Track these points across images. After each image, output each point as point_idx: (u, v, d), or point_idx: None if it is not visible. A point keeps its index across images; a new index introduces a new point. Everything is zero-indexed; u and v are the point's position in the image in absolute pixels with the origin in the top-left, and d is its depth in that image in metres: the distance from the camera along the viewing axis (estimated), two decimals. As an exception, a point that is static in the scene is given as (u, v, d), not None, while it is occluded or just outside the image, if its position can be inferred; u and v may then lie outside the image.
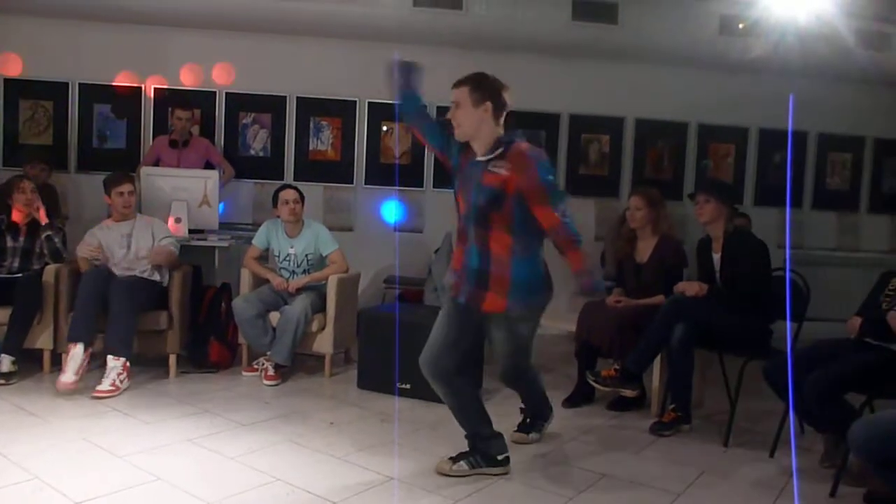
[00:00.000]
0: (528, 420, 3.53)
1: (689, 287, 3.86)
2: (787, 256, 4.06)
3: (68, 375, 3.87)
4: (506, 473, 3.05)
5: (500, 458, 3.06)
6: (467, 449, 3.08)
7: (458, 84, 2.91)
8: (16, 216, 4.44)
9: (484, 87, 2.87)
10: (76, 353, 3.93)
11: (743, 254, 3.79)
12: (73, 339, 3.97)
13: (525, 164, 2.79)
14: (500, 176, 2.81)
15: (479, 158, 2.89)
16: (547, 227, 2.83)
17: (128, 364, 4.02)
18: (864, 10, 5.31)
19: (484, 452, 3.05)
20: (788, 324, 3.50)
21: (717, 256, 3.91)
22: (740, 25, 5.60)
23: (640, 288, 4.15)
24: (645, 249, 4.20)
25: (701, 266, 4.02)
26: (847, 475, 2.96)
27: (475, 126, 2.87)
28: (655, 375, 4.02)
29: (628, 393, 3.90)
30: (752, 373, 3.53)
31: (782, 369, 3.08)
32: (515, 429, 3.49)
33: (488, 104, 2.85)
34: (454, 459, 3.03)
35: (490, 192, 2.81)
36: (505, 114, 2.92)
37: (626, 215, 4.45)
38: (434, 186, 6.31)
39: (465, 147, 2.96)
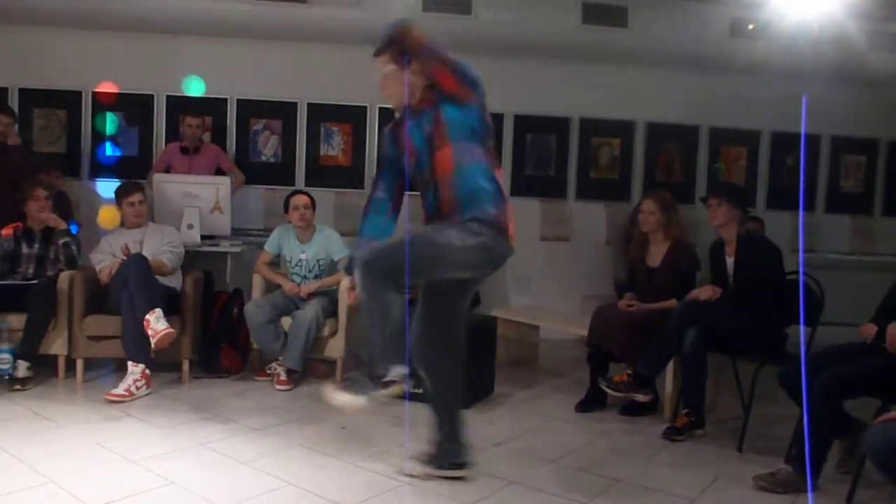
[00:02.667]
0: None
1: (703, 291, 3.84)
2: (801, 260, 4.03)
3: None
4: (464, 478, 2.96)
5: (386, 379, 2.65)
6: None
7: (376, 53, 2.79)
8: (31, 223, 4.48)
9: (399, 44, 2.74)
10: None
11: (756, 257, 3.77)
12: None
13: (427, 56, 2.69)
14: (426, 94, 2.73)
15: (412, 108, 2.79)
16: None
17: (147, 372, 4.05)
18: (876, 12, 5.28)
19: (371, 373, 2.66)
20: (802, 328, 3.48)
21: (730, 260, 3.89)
22: (751, 27, 5.59)
23: (652, 292, 4.13)
24: (657, 253, 4.18)
25: (714, 270, 4.00)
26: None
27: (406, 91, 2.77)
28: (668, 380, 4.00)
29: (641, 398, 3.88)
30: (766, 377, 3.51)
31: (797, 374, 3.05)
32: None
33: (412, 61, 2.73)
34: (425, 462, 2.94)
35: (426, 114, 2.73)
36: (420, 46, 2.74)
37: (635, 219, 4.44)
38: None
39: (396, 125, 2.88)
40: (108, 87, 5.89)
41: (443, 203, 2.71)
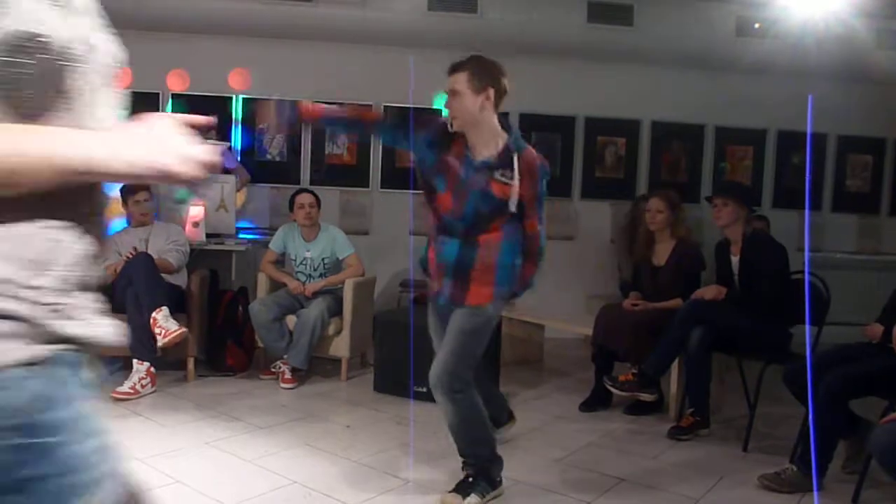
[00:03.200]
0: (469, 477, 2.80)
1: (708, 291, 3.83)
2: (807, 259, 4.02)
3: None
4: (500, 494, 2.87)
5: (499, 479, 2.87)
6: (470, 477, 2.79)
7: (455, 69, 2.65)
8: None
9: (485, 72, 2.63)
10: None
11: (762, 257, 3.76)
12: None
13: (535, 176, 2.67)
14: (509, 186, 2.63)
15: (483, 160, 2.66)
16: (529, 232, 2.74)
17: (152, 370, 4.06)
18: (883, 10, 5.26)
19: (487, 476, 2.81)
20: (808, 328, 3.47)
21: (735, 259, 3.88)
22: (757, 26, 5.57)
23: (657, 291, 4.12)
24: (662, 252, 4.17)
25: (719, 269, 3.99)
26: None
27: (475, 116, 2.63)
28: (673, 379, 3.99)
29: (646, 397, 3.88)
30: (771, 377, 3.50)
31: (802, 374, 3.04)
32: (450, 488, 2.81)
33: (490, 91, 2.61)
34: (462, 493, 2.75)
35: (497, 201, 2.64)
36: (503, 102, 2.71)
37: (635, 213, 4.42)
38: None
39: (451, 142, 2.71)
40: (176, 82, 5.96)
41: (477, 260, 2.70)
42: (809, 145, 6.53)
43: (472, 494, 2.75)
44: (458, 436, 2.80)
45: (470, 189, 2.65)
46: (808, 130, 6.30)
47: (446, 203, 2.71)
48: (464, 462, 2.85)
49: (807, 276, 3.60)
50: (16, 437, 0.89)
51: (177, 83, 6.02)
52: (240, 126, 6.15)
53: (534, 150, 2.72)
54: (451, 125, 2.70)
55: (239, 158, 5.94)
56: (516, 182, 2.64)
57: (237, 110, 6.14)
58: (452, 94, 2.65)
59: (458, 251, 2.70)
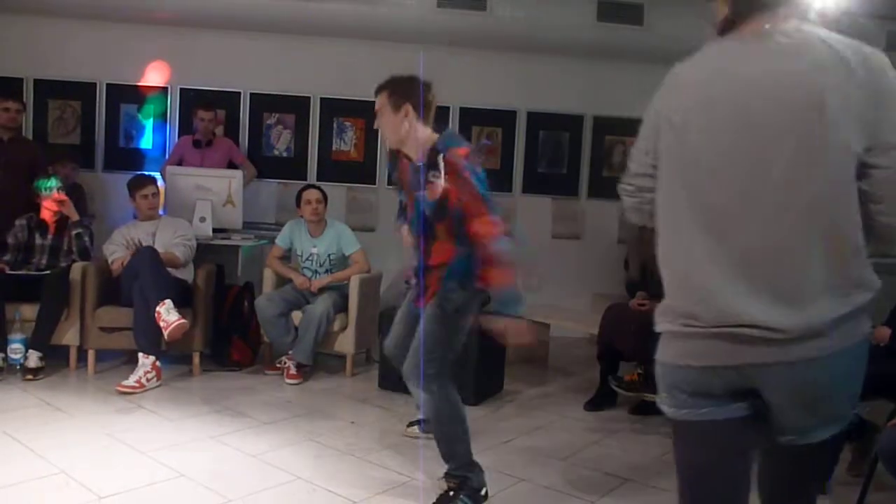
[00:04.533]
0: (450, 491, 2.75)
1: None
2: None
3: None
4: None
5: (483, 492, 2.80)
6: (451, 491, 2.75)
7: (377, 92, 2.79)
8: (44, 214, 4.51)
9: (401, 90, 2.73)
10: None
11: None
12: None
13: (459, 172, 2.61)
14: (438, 186, 2.64)
15: (418, 164, 2.75)
16: (472, 235, 2.60)
17: (158, 364, 4.07)
18: (893, 12, 5.23)
19: (469, 489, 2.75)
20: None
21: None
22: (767, 27, 5.55)
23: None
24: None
25: None
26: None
27: (400, 132, 2.75)
28: (679, 380, 3.98)
29: (652, 398, 3.86)
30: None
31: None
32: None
33: (408, 107, 2.70)
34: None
35: (433, 203, 2.67)
36: (433, 111, 2.78)
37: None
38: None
39: (398, 155, 2.86)
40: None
41: (432, 270, 2.76)
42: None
43: None
44: (435, 431, 2.83)
45: (416, 193, 2.76)
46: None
47: (409, 210, 2.89)
48: (445, 474, 2.80)
49: None
50: None
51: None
52: (247, 121, 6.15)
53: (462, 150, 2.66)
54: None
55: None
56: (442, 181, 2.64)
57: (245, 105, 6.14)
58: (377, 114, 2.80)
59: (420, 255, 2.80)
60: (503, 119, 6.26)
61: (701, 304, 1.43)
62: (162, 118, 6.07)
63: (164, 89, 6.03)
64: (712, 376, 1.46)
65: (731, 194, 1.38)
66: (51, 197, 4.43)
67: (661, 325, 1.59)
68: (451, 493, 2.75)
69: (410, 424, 3.53)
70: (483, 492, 2.81)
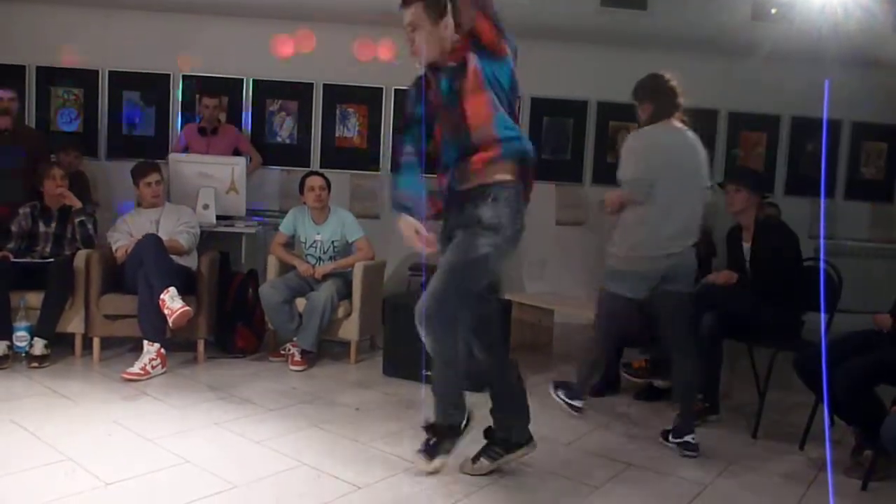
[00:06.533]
0: (430, 441, 2.82)
1: (719, 276, 3.82)
2: (822, 247, 3.97)
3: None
4: (532, 451, 2.94)
5: (517, 440, 2.91)
6: (431, 441, 2.84)
7: (406, 3, 2.56)
8: (48, 202, 4.51)
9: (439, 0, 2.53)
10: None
11: (774, 243, 3.74)
12: None
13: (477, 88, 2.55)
14: (459, 45, 2.55)
15: (450, 64, 2.60)
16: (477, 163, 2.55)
17: (163, 351, 4.08)
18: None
19: (503, 440, 2.90)
20: (823, 315, 3.44)
21: (747, 246, 3.86)
22: (773, 11, 5.49)
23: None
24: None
25: (730, 255, 3.97)
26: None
27: (445, 44, 2.57)
28: (683, 366, 3.98)
29: (661, 384, 3.87)
30: (781, 364, 3.49)
31: (814, 361, 3.03)
32: (459, 470, 2.89)
33: (448, 20, 2.54)
34: (474, 459, 2.90)
35: (458, 68, 2.55)
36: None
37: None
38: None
39: (425, 81, 2.69)
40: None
41: (474, 144, 2.60)
42: (826, 131, 6.45)
43: (482, 459, 2.87)
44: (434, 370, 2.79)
45: (443, 95, 2.64)
46: (825, 117, 6.22)
47: (437, 134, 2.73)
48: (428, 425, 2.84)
49: (822, 264, 3.57)
50: None
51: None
52: (250, 108, 6.14)
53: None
54: (419, 63, 2.65)
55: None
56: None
57: (248, 92, 6.13)
58: (413, 29, 2.58)
59: (458, 148, 2.66)
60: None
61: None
62: (164, 105, 6.06)
63: (167, 76, 6.02)
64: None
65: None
66: None
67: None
68: (432, 442, 2.83)
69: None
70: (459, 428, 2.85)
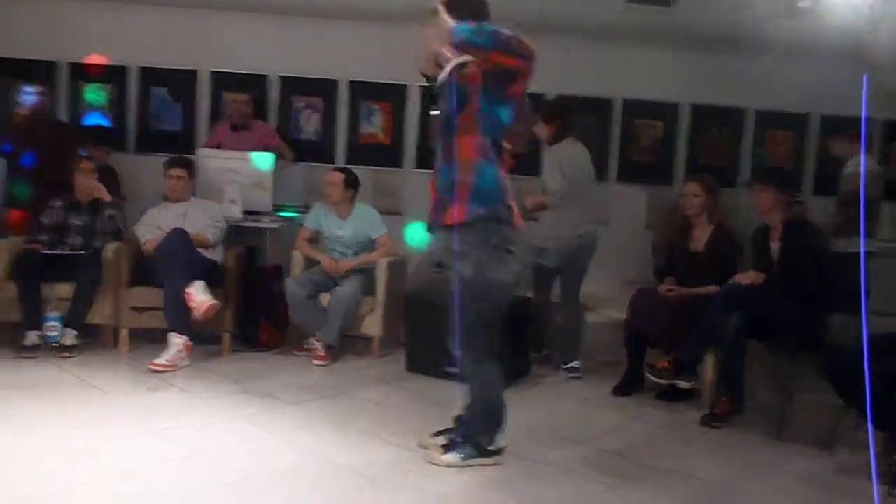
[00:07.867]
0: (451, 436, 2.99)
1: (746, 276, 3.77)
2: (863, 248, 3.88)
3: None
4: (497, 464, 2.93)
5: (491, 448, 2.93)
6: (459, 437, 2.94)
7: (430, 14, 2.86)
8: (78, 195, 4.59)
9: (461, 3, 2.87)
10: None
11: (802, 244, 3.69)
12: None
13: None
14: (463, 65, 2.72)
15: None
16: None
17: (190, 343, 4.13)
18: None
19: (478, 444, 2.92)
20: (864, 318, 3.37)
21: (775, 246, 3.81)
22: (803, 6, 5.41)
23: (693, 277, 4.06)
24: (700, 237, 4.11)
25: (757, 255, 3.93)
26: None
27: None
28: (708, 366, 3.94)
29: (684, 385, 3.84)
30: (805, 365, 3.45)
31: (847, 365, 2.97)
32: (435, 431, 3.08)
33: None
34: (445, 447, 2.94)
35: (456, 88, 2.77)
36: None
37: (679, 203, 4.37)
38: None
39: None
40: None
41: (457, 181, 2.80)
42: (864, 129, 6.31)
43: (454, 453, 2.90)
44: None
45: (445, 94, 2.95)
46: (864, 114, 6.09)
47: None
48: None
49: (862, 265, 3.50)
50: None
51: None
52: (276, 104, 6.18)
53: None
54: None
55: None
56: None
57: (274, 88, 6.17)
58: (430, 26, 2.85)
59: (447, 173, 2.91)
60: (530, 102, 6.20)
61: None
62: (191, 101, 6.13)
63: (193, 72, 6.08)
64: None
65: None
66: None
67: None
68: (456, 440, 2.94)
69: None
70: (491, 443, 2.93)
